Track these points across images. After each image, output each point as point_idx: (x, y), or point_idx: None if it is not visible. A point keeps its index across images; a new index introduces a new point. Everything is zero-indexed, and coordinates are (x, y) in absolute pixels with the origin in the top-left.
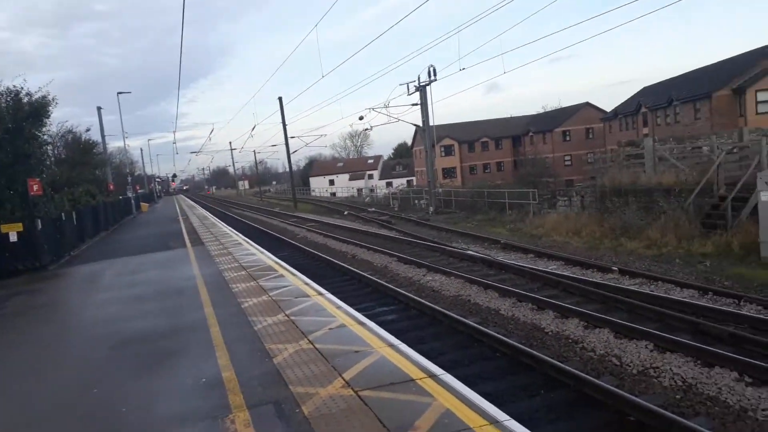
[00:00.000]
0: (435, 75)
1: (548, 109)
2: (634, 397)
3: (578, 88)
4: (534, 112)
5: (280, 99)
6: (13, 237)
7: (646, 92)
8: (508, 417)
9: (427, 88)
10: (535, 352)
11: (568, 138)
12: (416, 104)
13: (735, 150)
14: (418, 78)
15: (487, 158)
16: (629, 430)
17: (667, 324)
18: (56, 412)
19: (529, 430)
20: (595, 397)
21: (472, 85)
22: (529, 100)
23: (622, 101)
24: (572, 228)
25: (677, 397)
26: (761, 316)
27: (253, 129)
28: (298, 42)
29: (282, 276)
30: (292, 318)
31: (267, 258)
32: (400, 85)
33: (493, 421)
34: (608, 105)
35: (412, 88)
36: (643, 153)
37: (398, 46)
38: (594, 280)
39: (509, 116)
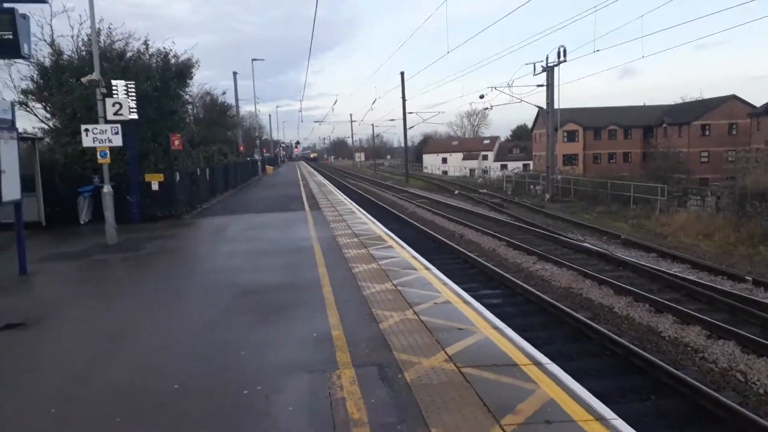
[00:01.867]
0: (565, 56)
1: (687, 99)
2: (759, 418)
3: (724, 78)
4: (671, 102)
5: (401, 74)
6: (155, 186)
7: None
8: (615, 416)
9: (555, 68)
10: (648, 356)
11: (707, 132)
12: (541, 85)
13: None
14: (546, 58)
15: (613, 147)
16: None
17: None
18: (180, 347)
19: None
20: (712, 411)
21: (604, 69)
22: (667, 88)
23: None
24: (703, 230)
25: None
26: None
27: (373, 102)
28: (426, 16)
29: (391, 247)
30: (399, 288)
31: (377, 228)
32: (526, 64)
33: (599, 418)
34: (758, 99)
35: (538, 68)
36: None
37: (527, 23)
38: (723, 288)
39: (642, 104)
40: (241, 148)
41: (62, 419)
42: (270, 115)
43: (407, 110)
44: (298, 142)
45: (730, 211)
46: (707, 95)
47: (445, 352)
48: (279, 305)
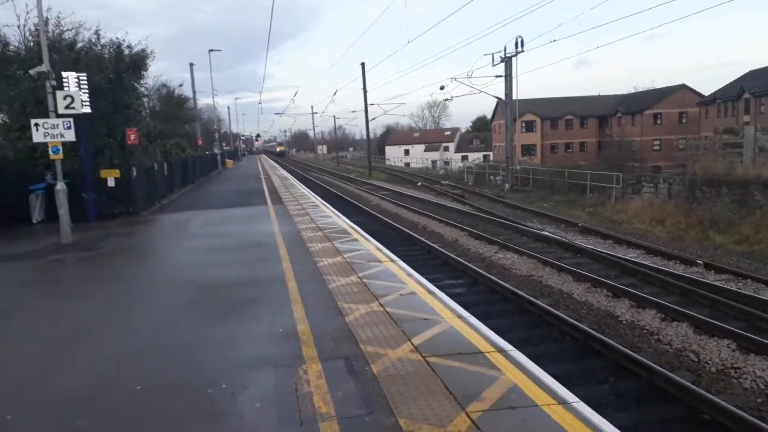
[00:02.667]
0: (522, 46)
1: (640, 89)
2: (711, 396)
3: (674, 68)
4: (624, 92)
5: (362, 65)
6: (111, 182)
7: (751, 76)
8: (577, 399)
9: (513, 59)
10: (606, 339)
11: (659, 121)
12: (500, 76)
13: None
14: (504, 49)
15: (570, 137)
16: (702, 428)
17: (753, 324)
18: (141, 347)
19: (600, 415)
20: (667, 390)
21: (560, 59)
22: (620, 78)
23: (723, 85)
24: (656, 216)
25: (758, 400)
26: None
27: (334, 94)
28: (385, 5)
29: (355, 240)
30: (365, 280)
31: (342, 221)
32: (485, 55)
33: (562, 402)
34: (706, 89)
35: (497, 59)
36: (742, 142)
37: (486, 14)
38: (676, 272)
39: (597, 94)
40: (200, 142)
41: (18, 426)
42: (229, 108)
43: (369, 102)
44: (258, 135)
45: (681, 198)
46: (658, 85)
47: (411, 343)
48: (242, 301)
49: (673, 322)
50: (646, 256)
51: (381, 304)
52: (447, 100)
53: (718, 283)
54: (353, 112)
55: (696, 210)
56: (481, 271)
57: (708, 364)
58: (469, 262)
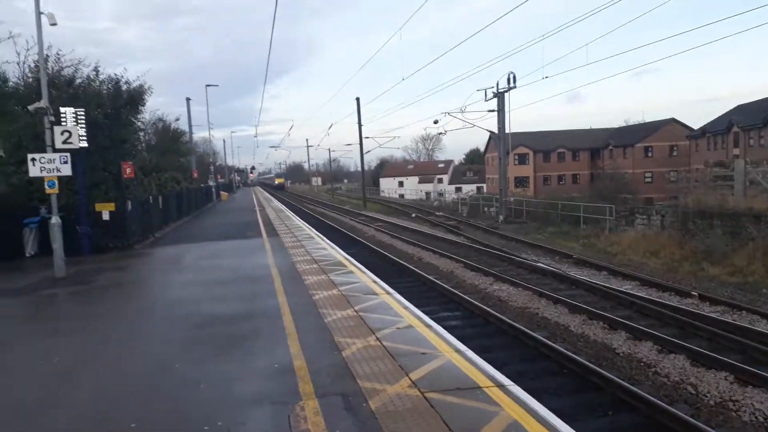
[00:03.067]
0: (514, 82)
1: (630, 123)
2: (711, 430)
3: (664, 103)
4: (615, 126)
5: (357, 100)
6: (106, 216)
7: (740, 111)
8: None
9: (506, 94)
10: (604, 372)
11: (650, 154)
12: (493, 110)
13: None
14: (497, 84)
15: (562, 169)
16: None
17: (749, 356)
18: (136, 383)
19: None
20: (666, 424)
21: (552, 95)
22: (611, 113)
23: (712, 119)
24: (650, 248)
25: None
26: None
27: (330, 127)
28: (380, 44)
29: (351, 272)
30: (361, 314)
31: (337, 253)
32: (478, 90)
33: None
34: (695, 122)
35: (489, 94)
36: (733, 175)
37: (479, 50)
38: (671, 303)
39: (589, 128)
40: (195, 175)
41: None
42: (224, 141)
43: (363, 135)
44: (253, 167)
45: (674, 229)
46: (649, 119)
47: (409, 378)
48: (238, 336)
49: (670, 354)
50: (641, 288)
51: (378, 338)
52: (441, 133)
53: (713, 315)
54: (348, 145)
55: (689, 241)
56: (477, 303)
57: (706, 396)
58: (465, 294)
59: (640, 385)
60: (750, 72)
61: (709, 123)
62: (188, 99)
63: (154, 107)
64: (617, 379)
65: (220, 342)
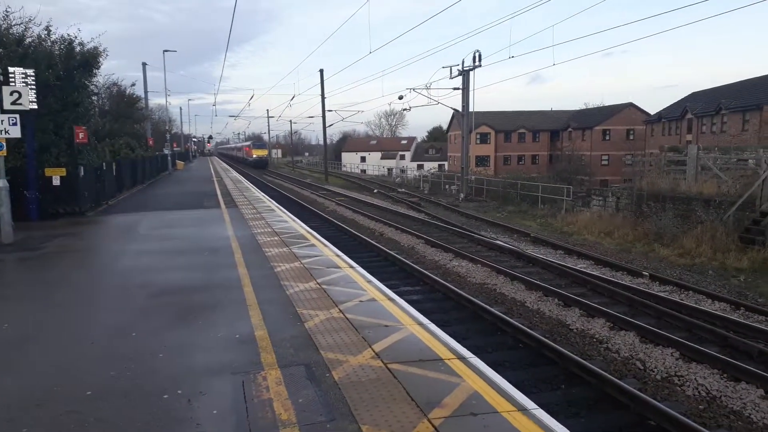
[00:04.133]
0: (480, 61)
1: (590, 106)
2: (657, 403)
3: (624, 87)
4: (576, 108)
5: (321, 72)
6: (56, 181)
7: (694, 98)
8: (536, 406)
9: (471, 73)
10: (558, 347)
11: (607, 137)
12: (458, 88)
13: None
14: (462, 62)
15: (522, 150)
16: None
17: (695, 334)
18: (92, 352)
19: (558, 422)
20: (616, 397)
21: (516, 75)
22: (572, 95)
23: (668, 105)
24: (605, 228)
25: (701, 407)
26: None
27: (292, 99)
28: (347, 14)
29: (313, 245)
30: (324, 287)
31: (298, 226)
32: (443, 67)
33: (522, 409)
34: (653, 107)
35: (455, 72)
36: (686, 160)
37: (446, 28)
38: (623, 282)
39: (550, 109)
40: (150, 142)
41: None
42: (181, 108)
43: (327, 108)
44: (210, 137)
45: (628, 211)
46: (608, 102)
47: (372, 349)
48: (198, 307)
49: (621, 331)
50: (595, 267)
51: (341, 311)
52: (405, 110)
53: (662, 294)
54: (310, 117)
55: (642, 223)
56: (437, 278)
57: (653, 371)
58: (426, 270)
59: (592, 360)
60: (708, 61)
61: (665, 109)
62: (144, 64)
63: (109, 71)
64: (570, 354)
65: (179, 312)
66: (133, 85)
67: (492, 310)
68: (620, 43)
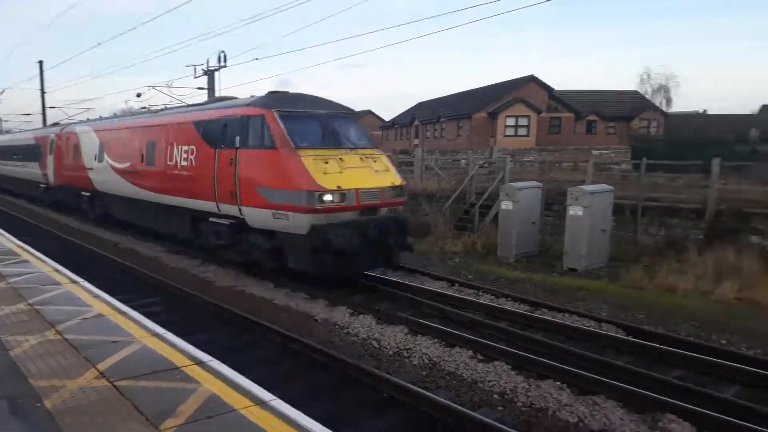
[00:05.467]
0: (225, 61)
1: None
2: (388, 376)
3: (368, 94)
4: None
5: (40, 63)
6: None
7: (420, 107)
8: (274, 397)
9: (216, 73)
10: (302, 338)
11: None
12: (203, 88)
13: (485, 165)
14: (207, 62)
15: None
16: (385, 405)
17: (421, 311)
18: None
19: (294, 408)
20: (356, 377)
21: (263, 77)
22: None
23: (400, 113)
24: None
25: (424, 373)
26: (493, 304)
27: (1, 93)
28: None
29: (26, 261)
30: (37, 307)
31: (6, 240)
32: (187, 66)
33: (260, 402)
34: (389, 115)
35: (199, 71)
36: (413, 161)
37: (188, 25)
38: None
39: None
40: None
41: None
42: None
43: (49, 104)
44: None
45: None
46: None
47: (96, 369)
48: None
49: (360, 316)
50: None
51: (58, 332)
52: (144, 108)
53: (394, 279)
54: (27, 114)
55: None
56: (180, 287)
57: (387, 348)
58: (168, 279)
59: (333, 346)
60: (437, 72)
61: (397, 116)
62: None
63: None
64: (313, 343)
65: None
66: None
67: (237, 311)
68: (357, 53)
